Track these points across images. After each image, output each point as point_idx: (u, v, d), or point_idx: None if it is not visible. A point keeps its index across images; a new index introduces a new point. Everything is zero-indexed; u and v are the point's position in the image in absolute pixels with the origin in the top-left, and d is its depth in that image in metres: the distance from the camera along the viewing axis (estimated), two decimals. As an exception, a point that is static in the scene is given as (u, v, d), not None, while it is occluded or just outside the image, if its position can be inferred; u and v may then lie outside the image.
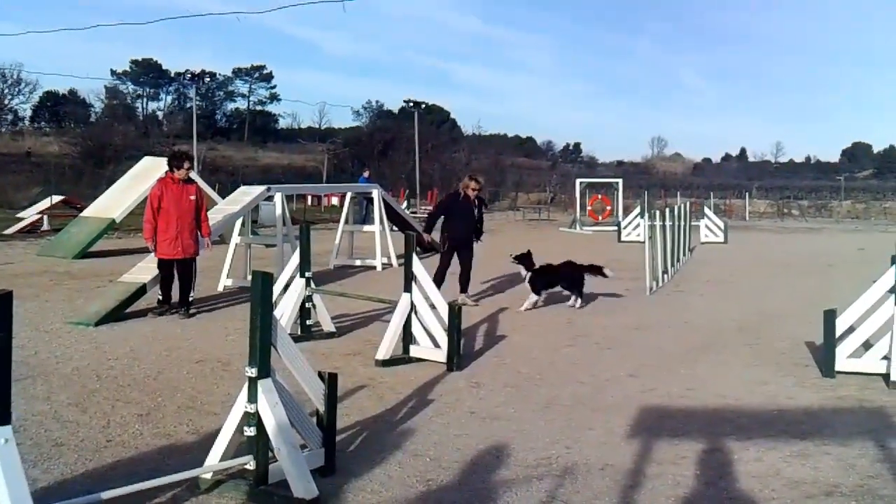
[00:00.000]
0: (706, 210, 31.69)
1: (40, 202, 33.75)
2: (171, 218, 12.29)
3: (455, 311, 9.32)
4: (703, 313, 13.42)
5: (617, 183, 40.25)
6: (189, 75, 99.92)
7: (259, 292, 5.52)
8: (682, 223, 21.14)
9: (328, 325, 11.21)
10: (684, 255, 21.25)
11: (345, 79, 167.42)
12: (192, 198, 12.48)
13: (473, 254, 14.28)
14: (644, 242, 16.97)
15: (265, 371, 5.48)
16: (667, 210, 18.80)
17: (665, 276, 17.12)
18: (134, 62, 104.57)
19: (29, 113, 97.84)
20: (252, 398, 5.45)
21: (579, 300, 13.81)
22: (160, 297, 12.54)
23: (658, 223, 17.11)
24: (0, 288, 4.16)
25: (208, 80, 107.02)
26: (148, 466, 6.02)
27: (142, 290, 12.45)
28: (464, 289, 14.13)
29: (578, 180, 41.39)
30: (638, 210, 29.77)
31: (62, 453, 6.34)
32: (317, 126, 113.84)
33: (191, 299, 12.65)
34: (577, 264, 14.15)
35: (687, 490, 5.71)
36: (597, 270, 14.12)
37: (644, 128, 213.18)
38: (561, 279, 13.89)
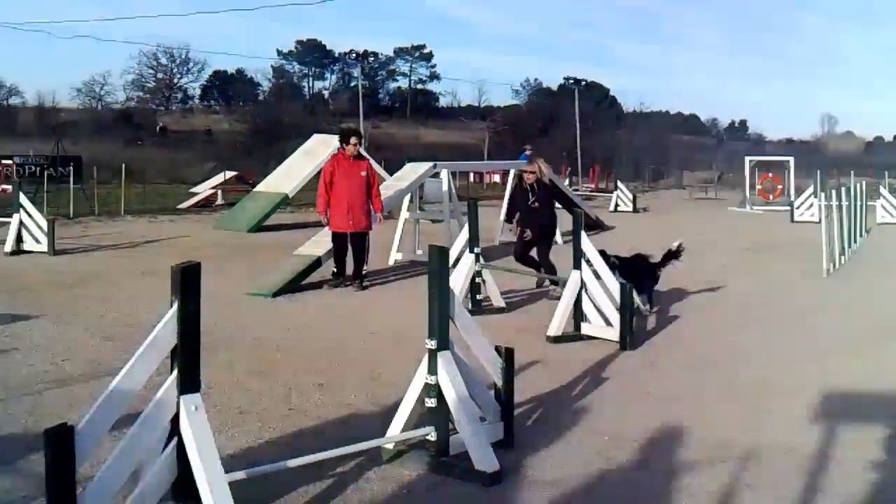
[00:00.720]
0: (882, 190, 30.22)
1: (214, 178, 34.99)
2: (342, 192, 12.52)
3: (626, 289, 9.18)
4: (887, 295, 12.81)
5: (788, 161, 38.83)
6: (354, 55, 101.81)
7: (437, 266, 5.55)
8: (859, 203, 20.24)
9: (498, 301, 11.22)
10: (860, 236, 20.34)
11: (503, 57, 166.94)
12: (363, 173, 12.66)
13: (548, 247, 12.51)
14: (819, 223, 16.33)
15: (444, 343, 5.51)
16: (842, 189, 18.01)
17: (842, 257, 16.43)
18: (299, 42, 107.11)
19: (198, 92, 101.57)
20: (432, 370, 5.49)
21: (648, 305, 11.10)
22: (335, 270, 12.82)
23: (834, 203, 16.43)
24: (185, 260, 4.30)
25: (371, 59, 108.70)
26: (330, 436, 6.14)
27: (317, 263, 12.77)
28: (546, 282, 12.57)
29: (748, 158, 40.09)
30: (811, 189, 28.65)
31: (246, 421, 6.52)
32: (476, 104, 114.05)
33: (364, 272, 12.86)
34: (646, 258, 11.57)
35: (881, 475, 5.45)
36: (672, 256, 11.54)
37: (813, 104, 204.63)
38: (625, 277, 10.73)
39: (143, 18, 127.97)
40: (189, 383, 4.25)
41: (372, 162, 13.62)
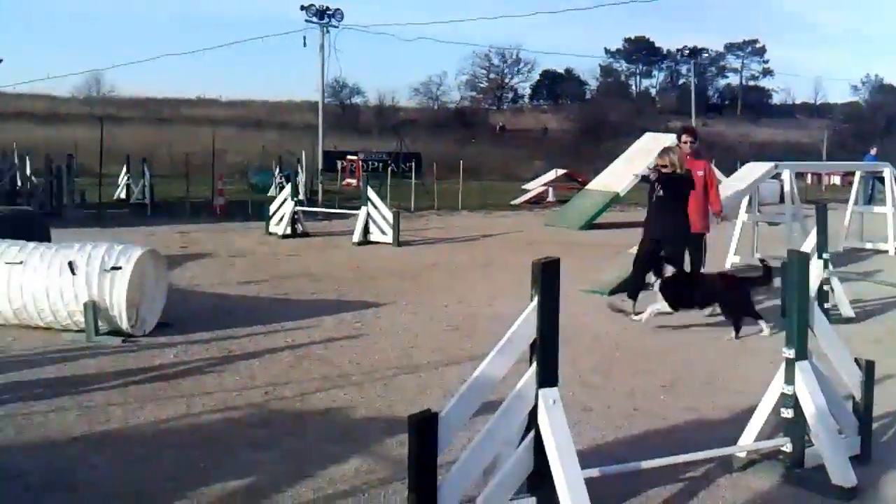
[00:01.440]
0: None
1: (544, 175, 35.49)
2: None
3: None
4: None
5: None
6: (686, 51, 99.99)
7: (795, 272, 5.31)
8: None
9: (847, 310, 10.57)
10: None
11: (842, 52, 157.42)
12: (700, 173, 12.04)
13: (675, 254, 10.37)
14: None
15: (803, 353, 5.26)
16: None
17: None
18: (627, 40, 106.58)
19: (528, 91, 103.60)
20: (789, 380, 5.26)
21: (734, 332, 9.55)
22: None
23: None
24: (544, 256, 4.33)
25: (701, 56, 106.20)
26: (676, 439, 6.03)
27: (651, 263, 12.60)
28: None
29: None
30: None
31: (591, 418, 6.54)
32: (812, 101, 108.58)
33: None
34: (733, 277, 10.35)
35: None
36: (763, 281, 9.93)
37: None
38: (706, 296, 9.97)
39: (479, 21, 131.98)
40: (547, 377, 4.29)
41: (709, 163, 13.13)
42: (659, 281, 9.71)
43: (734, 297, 9.82)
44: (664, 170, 10.41)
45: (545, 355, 4.30)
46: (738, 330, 9.57)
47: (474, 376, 4.21)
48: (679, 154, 10.71)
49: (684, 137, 12.15)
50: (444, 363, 8.05)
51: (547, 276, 4.28)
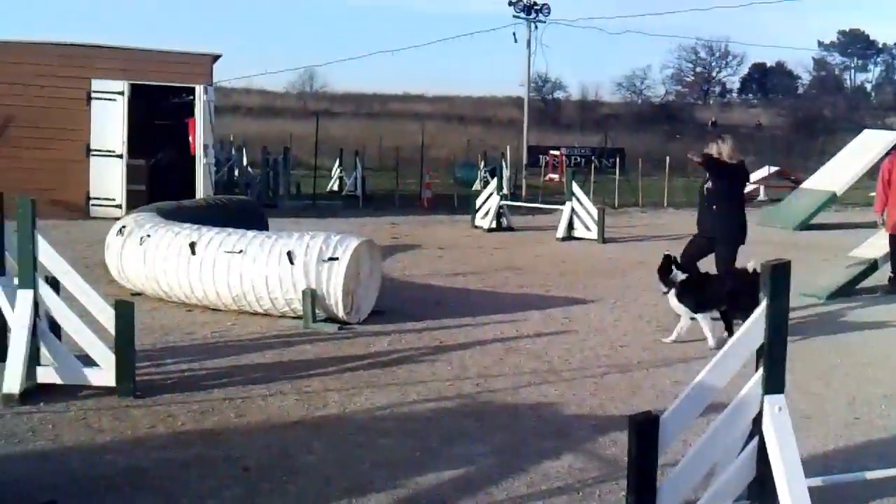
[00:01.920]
0: None
1: (755, 172, 34.36)
2: (893, 191, 11.69)
3: None
4: None
5: None
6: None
7: None
8: None
9: None
10: None
11: None
12: None
13: (726, 253, 9.73)
14: None
15: None
16: None
17: None
18: (841, 33, 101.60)
19: (737, 85, 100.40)
20: None
21: (726, 332, 8.63)
22: (892, 275, 11.94)
23: None
24: (775, 258, 4.18)
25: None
26: (898, 450, 5.76)
27: (873, 267, 11.98)
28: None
29: None
30: None
31: (810, 426, 6.29)
32: None
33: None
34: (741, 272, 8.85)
35: None
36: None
37: None
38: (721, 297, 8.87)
39: (688, 13, 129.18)
40: (774, 383, 4.16)
41: None
42: (672, 290, 8.84)
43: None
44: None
45: (772, 361, 4.17)
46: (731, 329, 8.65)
47: (698, 379, 4.12)
48: (730, 145, 9.77)
49: None
50: (655, 364, 7.93)
51: (777, 280, 4.14)
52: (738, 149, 9.96)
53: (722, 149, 9.71)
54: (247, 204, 13.40)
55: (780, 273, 4.15)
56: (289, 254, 8.80)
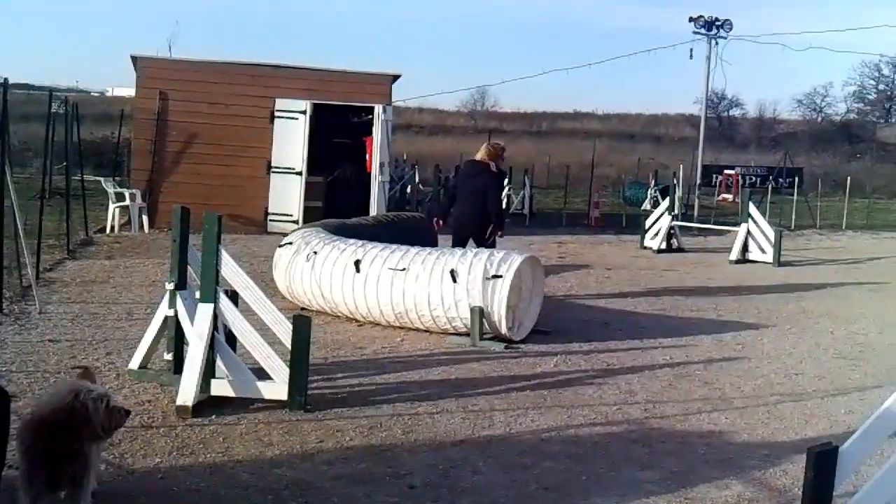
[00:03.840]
0: None
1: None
2: None
3: None
4: None
5: None
6: None
7: None
8: None
9: None
10: None
11: None
12: None
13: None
14: None
15: None
16: None
17: None
18: None
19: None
20: None
21: None
22: None
23: None
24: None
25: None
26: None
27: None
28: None
29: None
30: None
31: None
32: None
33: None
34: None
35: None
36: None
37: None
38: None
39: (870, 29, 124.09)
40: (962, 416, 3.91)
41: None
42: None
43: None
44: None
45: (962, 393, 3.92)
46: None
47: (882, 410, 3.92)
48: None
49: None
50: (831, 393, 7.61)
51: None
52: None
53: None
54: (416, 220, 13.55)
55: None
56: (452, 272, 8.87)
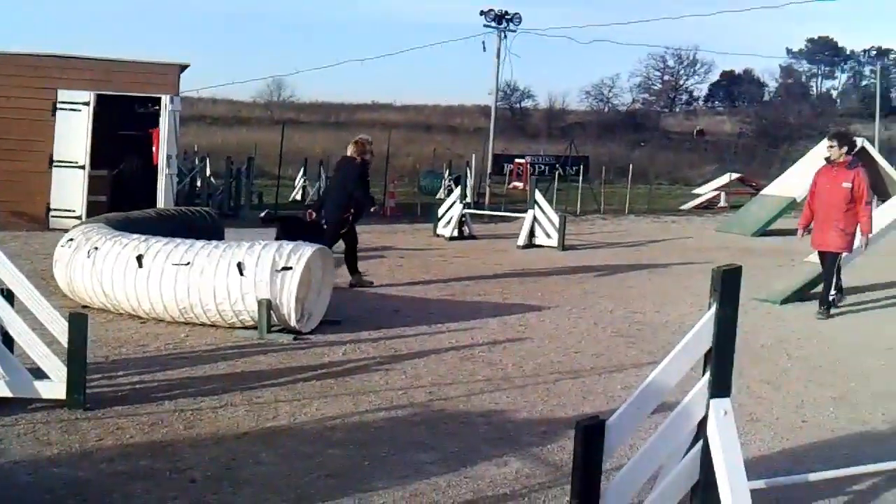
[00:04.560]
0: None
1: (716, 179, 34.73)
2: (818, 205, 10.90)
3: None
4: None
5: None
6: (874, 52, 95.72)
7: None
8: None
9: None
10: None
11: None
12: (846, 185, 10.59)
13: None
14: None
15: None
16: None
17: None
18: (810, 40, 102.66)
19: (704, 93, 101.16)
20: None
21: None
22: (833, 293, 11.34)
23: None
24: (727, 263, 4.18)
25: (887, 57, 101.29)
26: (843, 452, 5.87)
27: (828, 272, 12.12)
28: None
29: None
30: None
31: (758, 429, 6.38)
32: None
33: (831, 297, 11.09)
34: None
35: None
36: None
37: None
38: None
39: (657, 21, 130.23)
40: (720, 387, 4.15)
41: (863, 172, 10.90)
42: None
43: None
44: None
45: (719, 365, 4.17)
46: None
47: (645, 384, 4.12)
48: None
49: (827, 143, 11.12)
50: (608, 370, 7.95)
51: (727, 285, 4.14)
52: None
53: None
54: (201, 214, 13.23)
55: (729, 278, 4.16)
56: (238, 265, 8.74)
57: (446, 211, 19.08)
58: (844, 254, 10.94)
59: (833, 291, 11.14)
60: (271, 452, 5.62)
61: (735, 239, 20.05)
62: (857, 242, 10.87)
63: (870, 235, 10.83)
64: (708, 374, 4.13)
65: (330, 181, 12.33)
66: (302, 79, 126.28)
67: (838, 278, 11.33)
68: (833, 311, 10.98)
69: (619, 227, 22.90)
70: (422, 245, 17.44)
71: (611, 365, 8.12)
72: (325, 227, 11.74)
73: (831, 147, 10.82)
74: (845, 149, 10.76)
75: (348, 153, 12.06)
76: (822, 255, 11.00)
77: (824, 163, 11.03)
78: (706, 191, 32.80)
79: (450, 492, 5.04)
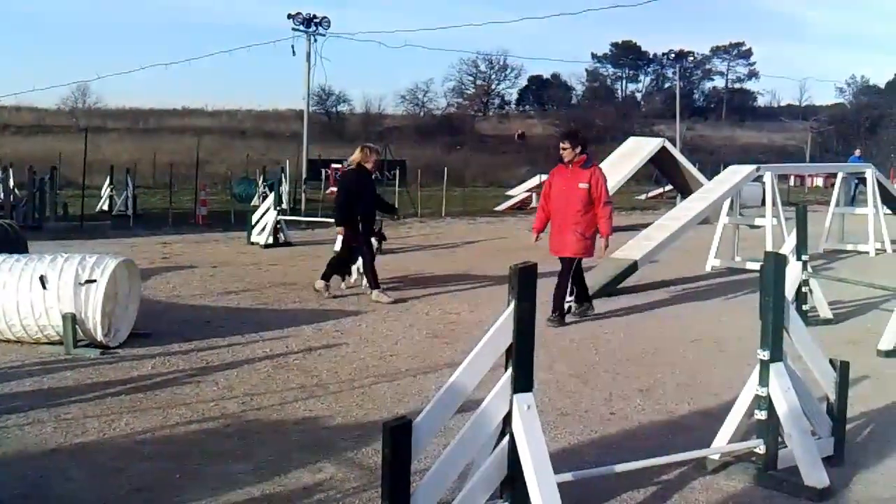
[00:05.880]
0: None
1: (528, 181, 35.58)
2: (555, 207, 10.49)
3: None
4: None
5: None
6: (672, 55, 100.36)
7: (771, 274, 5.35)
8: None
9: (825, 311, 10.60)
10: None
11: (827, 53, 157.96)
12: (583, 185, 10.19)
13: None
14: None
15: (778, 354, 5.28)
16: None
17: None
18: (614, 45, 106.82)
19: (514, 97, 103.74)
20: (763, 381, 5.28)
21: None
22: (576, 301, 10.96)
23: None
24: (523, 261, 4.29)
25: (686, 60, 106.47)
26: (652, 442, 6.03)
27: (633, 267, 12.62)
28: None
29: None
30: None
31: (567, 423, 6.53)
32: (797, 103, 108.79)
33: (566, 305, 10.61)
34: None
35: None
36: None
37: None
38: None
39: (466, 27, 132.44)
40: (523, 382, 4.26)
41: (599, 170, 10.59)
42: None
43: None
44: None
45: (521, 361, 4.27)
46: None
47: (449, 382, 4.20)
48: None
49: (562, 144, 10.53)
50: (423, 371, 8.02)
51: (523, 281, 4.24)
52: None
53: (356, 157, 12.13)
54: (3, 227, 12.58)
55: (526, 275, 4.26)
56: (41, 278, 8.38)
57: (260, 217, 18.83)
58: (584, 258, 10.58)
59: (570, 298, 10.63)
60: (81, 468, 5.43)
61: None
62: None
63: (610, 237, 10.48)
64: (510, 370, 4.23)
65: (349, 195, 11.91)
66: (108, 85, 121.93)
67: (581, 285, 10.83)
68: (569, 318, 10.50)
69: (436, 230, 23.18)
70: (236, 254, 17.13)
71: (426, 366, 8.19)
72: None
73: (564, 148, 10.32)
74: (579, 148, 10.32)
75: (357, 161, 12.06)
76: (560, 260, 10.45)
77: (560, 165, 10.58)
78: (519, 192, 33.60)
79: (264, 501, 4.98)
